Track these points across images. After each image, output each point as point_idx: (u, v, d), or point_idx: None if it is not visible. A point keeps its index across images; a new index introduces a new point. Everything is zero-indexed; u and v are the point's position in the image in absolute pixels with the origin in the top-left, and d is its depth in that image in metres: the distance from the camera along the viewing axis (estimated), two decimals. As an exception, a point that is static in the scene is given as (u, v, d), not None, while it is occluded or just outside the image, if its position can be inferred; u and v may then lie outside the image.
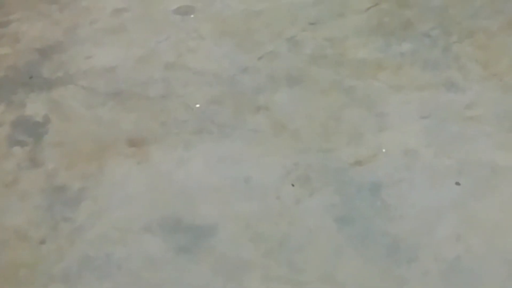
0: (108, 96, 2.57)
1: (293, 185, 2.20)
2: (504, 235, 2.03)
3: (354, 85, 2.54)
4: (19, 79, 2.68)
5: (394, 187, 2.20)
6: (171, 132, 2.41)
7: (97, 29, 2.90)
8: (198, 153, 2.32)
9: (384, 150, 2.30)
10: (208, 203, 2.16)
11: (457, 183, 2.19)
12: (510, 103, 2.40)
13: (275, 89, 2.56)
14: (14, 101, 2.58)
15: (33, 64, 2.75)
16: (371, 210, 2.13)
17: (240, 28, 2.83)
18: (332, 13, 2.88)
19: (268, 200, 2.17)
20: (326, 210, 2.14)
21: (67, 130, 2.44)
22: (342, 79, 2.57)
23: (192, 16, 2.92)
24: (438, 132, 2.34)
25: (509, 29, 2.71)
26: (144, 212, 2.14)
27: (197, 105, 2.50)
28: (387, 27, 2.79)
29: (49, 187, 2.23)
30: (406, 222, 2.09)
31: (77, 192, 2.20)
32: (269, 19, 2.87)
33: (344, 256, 2.02)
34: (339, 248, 2.04)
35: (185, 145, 2.36)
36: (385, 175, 2.24)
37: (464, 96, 2.46)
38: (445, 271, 1.97)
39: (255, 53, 2.71)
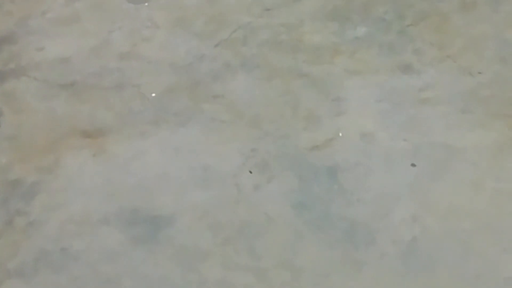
0: (62, 87, 2.54)
1: (251, 172, 2.20)
2: (459, 215, 2.05)
3: (311, 70, 2.54)
4: (-30, 71, 2.63)
5: (351, 171, 2.21)
6: (127, 122, 2.39)
7: (50, 19, 2.85)
8: (154, 143, 2.31)
9: (340, 134, 2.30)
10: (165, 193, 2.15)
11: (413, 165, 2.20)
12: (465, 84, 2.42)
13: (232, 76, 2.55)
14: (-34, 93, 2.54)
15: (-17, 57, 2.70)
16: (329, 195, 2.14)
17: (195, 16, 2.81)
18: (288, -1, 2.88)
19: (226, 188, 2.16)
20: (284, 196, 2.14)
21: (21, 122, 2.41)
22: (299, 65, 2.57)
23: (146, 4, 2.89)
24: (393, 115, 2.35)
25: (463, 11, 2.73)
26: (101, 204, 2.12)
27: (153, 95, 2.47)
28: (342, 11, 2.79)
29: (3, 181, 2.19)
30: (363, 206, 2.10)
31: (32, 186, 2.17)
32: (225, 6, 2.85)
33: (303, 241, 2.02)
34: (297, 233, 2.04)
35: (141, 135, 2.34)
36: (342, 159, 2.25)
37: (419, 79, 2.47)
38: (402, 252, 1.98)
39: (211, 40, 2.70)
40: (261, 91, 2.49)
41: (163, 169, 2.22)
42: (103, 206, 2.11)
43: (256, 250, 2.00)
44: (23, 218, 2.08)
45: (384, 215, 2.08)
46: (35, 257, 1.98)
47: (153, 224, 2.06)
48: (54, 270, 1.95)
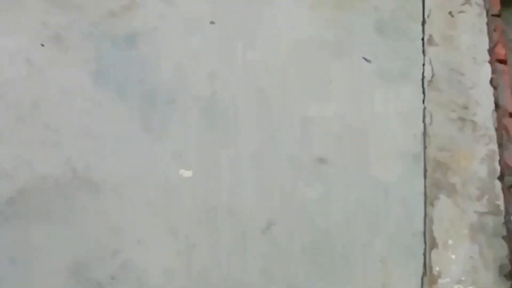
0: None
1: (42, 45, 2.11)
2: (256, 69, 2.09)
3: None
4: None
5: (150, 36, 2.17)
6: None
7: None
8: None
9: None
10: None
11: (212, 22, 2.20)
12: None
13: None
14: None
15: None
16: (127, 61, 2.10)
17: None
18: None
19: (18, 65, 2.06)
20: (81, 67, 2.08)
21: None
22: None
23: None
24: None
25: None
26: None
27: None
28: None
29: None
30: (163, 68, 2.09)
31: None
32: None
33: (102, 110, 1.99)
34: (96, 102, 2.01)
35: None
36: (141, 24, 2.20)
37: None
38: (201, 108, 2.00)
39: None
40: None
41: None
42: None
43: (54, 124, 1.94)
44: None
45: (183, 75, 2.07)
46: None
47: None
48: None
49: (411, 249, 1.79)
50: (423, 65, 2.17)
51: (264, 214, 1.81)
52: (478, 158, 1.97)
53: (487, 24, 2.30)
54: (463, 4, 2.34)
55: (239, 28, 2.21)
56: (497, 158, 1.97)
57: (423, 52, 2.20)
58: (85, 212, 1.78)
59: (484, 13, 2.32)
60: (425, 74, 2.14)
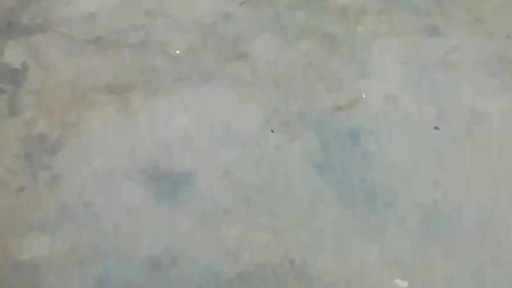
0: (87, 43, 2.54)
1: (272, 131, 2.20)
2: (481, 180, 2.04)
3: (336, 31, 2.52)
4: (-3, 25, 2.65)
5: (373, 133, 2.20)
6: (151, 79, 2.39)
7: (76, -26, 2.85)
8: (177, 100, 2.31)
9: (364, 96, 2.29)
10: (187, 150, 2.16)
11: (436, 128, 2.19)
12: (491, 48, 2.39)
13: (256, 35, 2.53)
14: (-8, 48, 2.55)
15: (11, 11, 2.71)
16: (350, 157, 2.14)
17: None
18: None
19: (248, 147, 2.16)
20: (305, 157, 2.14)
21: (46, 77, 2.42)
22: (324, 25, 2.55)
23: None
24: (418, 78, 2.33)
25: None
26: (123, 160, 2.14)
27: (177, 52, 2.47)
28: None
29: (27, 135, 2.22)
30: (384, 168, 2.10)
31: (56, 141, 2.19)
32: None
33: (323, 202, 2.03)
34: (317, 194, 2.05)
35: (165, 92, 2.34)
36: (365, 121, 2.24)
37: (446, 42, 2.44)
38: (422, 216, 1.98)
39: (236, -1, 2.69)
40: (285, 51, 2.48)
41: (185, 126, 2.23)
42: (125, 162, 2.13)
43: (275, 210, 2.01)
44: (47, 172, 2.11)
45: (404, 178, 2.07)
46: (57, 211, 2.00)
47: (174, 181, 2.08)
48: (76, 224, 1.98)
49: None
50: None
51: None
52: None
53: None
54: None
55: (464, 136, 2.18)
56: None
57: None
58: (298, 305, 1.81)
59: None
60: None
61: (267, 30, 2.54)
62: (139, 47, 2.51)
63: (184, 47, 2.50)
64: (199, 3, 2.68)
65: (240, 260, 1.89)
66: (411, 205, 2.01)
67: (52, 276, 1.89)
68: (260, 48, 2.49)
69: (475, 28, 2.47)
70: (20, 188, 2.07)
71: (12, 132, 2.23)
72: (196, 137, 2.20)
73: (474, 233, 1.94)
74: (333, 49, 2.47)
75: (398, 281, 1.85)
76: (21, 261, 1.91)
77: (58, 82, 2.39)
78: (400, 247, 1.92)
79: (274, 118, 2.24)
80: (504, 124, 2.18)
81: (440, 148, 2.14)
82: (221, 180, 2.08)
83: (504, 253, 1.90)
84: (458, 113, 2.23)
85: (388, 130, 2.21)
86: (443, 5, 2.57)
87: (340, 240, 1.94)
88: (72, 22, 2.63)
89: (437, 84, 2.31)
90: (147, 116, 2.27)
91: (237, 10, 2.62)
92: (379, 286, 1.84)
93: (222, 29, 2.56)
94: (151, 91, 2.34)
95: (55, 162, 2.14)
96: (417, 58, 2.40)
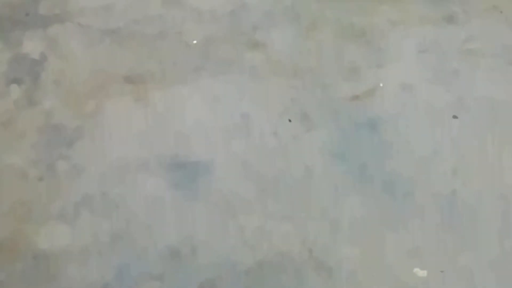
0: (105, 33, 2.54)
1: (290, 121, 2.19)
2: (500, 169, 2.03)
3: (353, 21, 2.51)
4: (15, 16, 2.65)
5: (392, 122, 2.19)
6: (168, 69, 2.39)
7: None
8: (195, 90, 2.31)
9: (381, 85, 2.28)
10: (204, 140, 2.16)
11: (455, 117, 2.18)
12: (510, 36, 2.37)
13: (273, 25, 2.52)
14: (11, 38, 2.55)
15: (29, 1, 2.71)
16: (368, 146, 2.13)
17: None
18: None
19: (265, 137, 2.16)
20: (323, 146, 2.14)
21: (64, 68, 2.43)
22: (341, 15, 2.54)
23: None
24: (436, 66, 2.32)
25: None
26: (142, 150, 2.14)
27: (194, 42, 2.47)
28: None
29: (46, 125, 2.22)
30: (403, 158, 2.09)
31: (74, 131, 2.20)
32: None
33: (341, 192, 2.03)
34: (336, 184, 2.05)
35: (182, 83, 2.34)
36: (383, 110, 2.23)
37: (464, 30, 2.43)
38: (441, 205, 1.98)
39: (253, -12, 2.68)
40: (302, 40, 2.47)
41: (203, 116, 2.23)
42: (144, 151, 2.13)
43: (294, 200, 2.01)
44: (66, 162, 2.12)
45: (423, 167, 2.07)
46: (76, 201, 2.01)
47: (193, 171, 2.08)
48: (95, 214, 1.99)
49: None
50: None
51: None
52: None
53: None
54: None
55: (483, 125, 2.17)
56: None
57: None
58: (317, 294, 1.82)
59: None
60: None
61: (283, 20, 2.54)
62: (156, 37, 2.51)
63: (201, 37, 2.50)
64: (215, -8, 2.68)
65: (259, 249, 1.89)
66: (430, 195, 2.00)
67: (71, 265, 1.90)
68: (277, 38, 2.48)
69: (494, 16, 2.46)
70: (39, 177, 2.08)
71: (31, 122, 2.24)
72: (213, 126, 2.20)
73: (494, 222, 1.93)
74: (350, 38, 2.46)
75: (417, 270, 1.85)
76: (40, 250, 1.92)
77: (76, 73, 2.40)
78: (419, 236, 1.92)
79: (292, 108, 2.24)
80: (523, 113, 2.17)
81: (459, 137, 2.13)
82: (239, 169, 2.08)
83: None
84: (477, 102, 2.22)
85: (406, 119, 2.20)
86: (460, -7, 2.55)
87: (359, 229, 1.94)
88: (90, 13, 2.64)
89: (455, 72, 2.30)
90: (165, 106, 2.27)
91: (254, 0, 2.62)
92: (398, 275, 1.84)
93: (238, 18, 2.55)
94: (169, 81, 2.35)
95: (74, 152, 2.15)
96: (435, 47, 2.39)
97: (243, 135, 2.17)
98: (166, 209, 2.00)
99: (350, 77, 2.33)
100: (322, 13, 2.54)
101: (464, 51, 2.35)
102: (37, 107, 2.29)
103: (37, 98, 2.32)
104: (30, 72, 2.42)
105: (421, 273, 1.84)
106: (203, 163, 2.10)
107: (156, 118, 2.24)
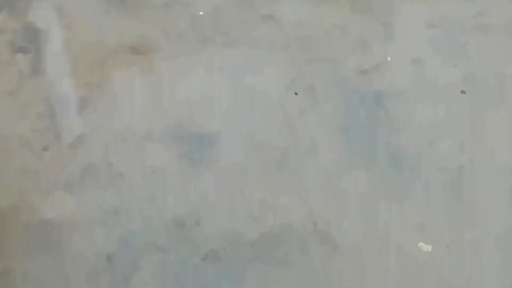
0: (111, 3, 2.52)
1: (296, 94, 2.18)
2: (508, 145, 2.02)
3: (362, -7, 2.48)
4: (21, -15, 2.63)
5: (399, 97, 2.17)
6: (174, 40, 2.37)
7: None
8: (201, 62, 2.29)
9: (389, 59, 2.26)
10: (210, 112, 2.15)
11: (463, 92, 2.16)
12: (521, 11, 2.34)
13: (282, -3, 2.50)
14: (16, 7, 2.53)
15: (34, -29, 2.70)
16: (375, 120, 2.12)
17: None
18: None
19: (271, 109, 2.15)
20: (329, 119, 2.13)
21: (70, 37, 2.41)
22: (350, -13, 2.51)
23: None
24: (445, 41, 2.29)
25: None
26: (147, 120, 2.13)
27: (201, 13, 2.45)
28: None
29: (51, 95, 2.21)
30: (409, 132, 2.08)
31: (80, 101, 2.19)
32: None
33: (347, 165, 2.02)
34: (342, 157, 2.04)
35: (189, 53, 2.32)
36: (390, 84, 2.21)
37: (474, 4, 2.39)
38: (447, 180, 1.97)
39: (260, -41, 2.65)
40: (310, 13, 2.44)
41: (209, 88, 2.21)
42: (149, 122, 2.13)
43: (299, 173, 2.00)
44: (71, 133, 2.11)
45: (430, 142, 2.05)
46: (81, 171, 2.01)
47: (198, 143, 2.08)
48: (100, 184, 1.98)
49: None
50: None
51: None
52: None
53: None
54: None
55: (492, 100, 2.15)
56: None
57: None
58: (321, 267, 1.81)
59: None
60: None
61: (291, -8, 2.51)
62: (162, 7, 2.48)
63: (208, 8, 2.47)
64: (222, -37, 2.65)
65: (264, 221, 1.89)
66: (436, 169, 1.99)
67: (76, 235, 1.90)
68: (284, 10, 2.45)
69: (505, -9, 2.43)
70: (44, 147, 2.08)
71: (36, 92, 2.23)
72: (220, 98, 2.19)
73: (500, 198, 1.93)
74: (358, 11, 2.43)
75: (422, 244, 1.84)
76: (45, 219, 1.92)
77: (82, 42, 2.38)
78: (424, 211, 1.92)
79: (298, 81, 2.22)
80: (532, 89, 2.15)
81: (467, 113, 2.11)
82: (245, 142, 2.08)
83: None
84: (486, 77, 2.20)
85: (413, 93, 2.18)
86: (471, -33, 2.52)
87: (364, 203, 1.94)
88: (95, -18, 2.62)
89: (464, 47, 2.27)
90: (171, 77, 2.26)
91: (261, -29, 2.59)
92: (403, 249, 1.84)
93: (246, -11, 2.53)
94: (175, 52, 2.33)
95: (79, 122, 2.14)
96: (444, 21, 2.35)
97: (249, 107, 2.16)
98: (171, 180, 1.99)
99: (357, 51, 2.30)
100: (331, -14, 2.51)
101: (474, 26, 2.31)
102: (43, 77, 2.28)
103: (43, 67, 2.30)
104: (36, 41, 2.40)
105: (426, 247, 1.84)
106: (209, 135, 2.09)
107: (161, 89, 2.23)
